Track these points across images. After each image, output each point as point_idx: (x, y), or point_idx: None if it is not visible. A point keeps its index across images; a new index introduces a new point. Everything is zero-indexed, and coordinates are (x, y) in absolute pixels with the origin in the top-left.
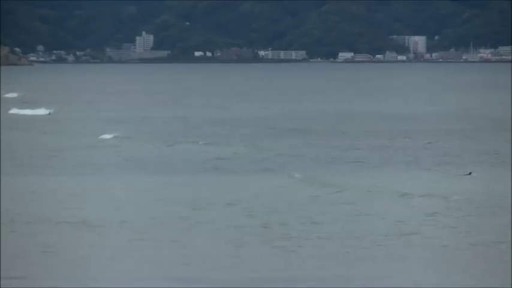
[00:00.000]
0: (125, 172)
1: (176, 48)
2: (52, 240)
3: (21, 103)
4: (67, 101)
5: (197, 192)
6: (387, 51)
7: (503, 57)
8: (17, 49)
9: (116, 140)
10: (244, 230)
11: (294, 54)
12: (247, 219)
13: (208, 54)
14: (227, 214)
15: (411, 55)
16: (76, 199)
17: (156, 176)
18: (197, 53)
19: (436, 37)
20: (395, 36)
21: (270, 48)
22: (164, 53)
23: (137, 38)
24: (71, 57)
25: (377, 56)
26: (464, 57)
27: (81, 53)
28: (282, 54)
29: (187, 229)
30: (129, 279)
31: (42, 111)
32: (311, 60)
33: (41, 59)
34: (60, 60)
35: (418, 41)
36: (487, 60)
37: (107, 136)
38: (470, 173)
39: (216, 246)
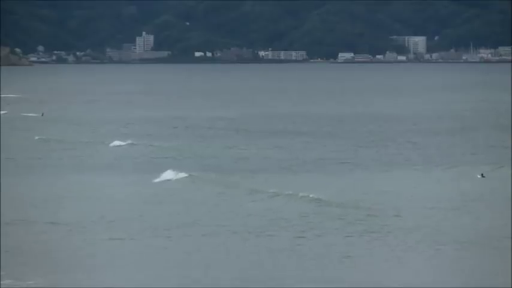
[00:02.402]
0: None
1: (176, 49)
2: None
3: (17, 103)
4: (61, 102)
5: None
6: (387, 52)
7: (503, 57)
8: (18, 49)
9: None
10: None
11: (294, 55)
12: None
13: (209, 54)
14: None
15: (411, 55)
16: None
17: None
18: (197, 54)
19: (436, 37)
20: (395, 36)
21: (270, 49)
22: (164, 53)
23: (137, 38)
24: (71, 58)
25: (377, 56)
26: (464, 58)
27: (82, 53)
28: (282, 55)
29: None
30: None
31: (35, 113)
32: (311, 60)
33: (42, 60)
34: (61, 60)
35: (418, 42)
36: (487, 61)
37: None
38: (482, 175)
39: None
